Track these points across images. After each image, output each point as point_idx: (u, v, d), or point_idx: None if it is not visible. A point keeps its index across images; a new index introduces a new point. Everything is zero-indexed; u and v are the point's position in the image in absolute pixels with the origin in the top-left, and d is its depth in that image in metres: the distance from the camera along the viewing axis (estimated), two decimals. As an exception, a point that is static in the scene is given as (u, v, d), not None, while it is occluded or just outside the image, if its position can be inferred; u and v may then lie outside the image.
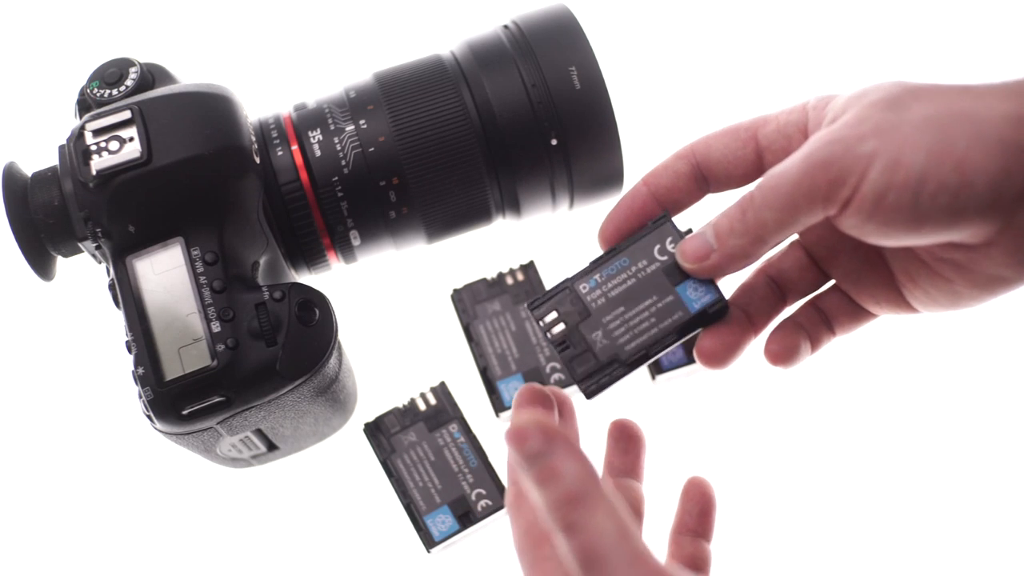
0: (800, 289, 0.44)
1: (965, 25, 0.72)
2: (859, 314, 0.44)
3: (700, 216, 0.45)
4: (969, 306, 0.40)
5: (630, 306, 0.42)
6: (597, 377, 0.41)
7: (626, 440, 0.45)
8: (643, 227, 0.43)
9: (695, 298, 0.41)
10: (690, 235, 0.41)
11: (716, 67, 0.72)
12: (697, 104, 0.71)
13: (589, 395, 0.42)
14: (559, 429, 0.33)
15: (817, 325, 0.44)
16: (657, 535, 0.44)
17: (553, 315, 0.42)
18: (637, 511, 0.44)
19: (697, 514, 0.44)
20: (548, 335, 0.42)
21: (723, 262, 0.40)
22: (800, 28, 0.73)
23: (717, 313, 0.42)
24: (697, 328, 0.42)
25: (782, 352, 0.43)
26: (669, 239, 0.42)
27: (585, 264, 0.43)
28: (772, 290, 0.44)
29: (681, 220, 0.45)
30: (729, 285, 0.44)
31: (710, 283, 0.42)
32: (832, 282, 0.44)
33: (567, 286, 0.43)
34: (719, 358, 0.42)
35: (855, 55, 0.72)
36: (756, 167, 0.43)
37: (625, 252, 0.43)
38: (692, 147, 0.44)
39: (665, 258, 0.42)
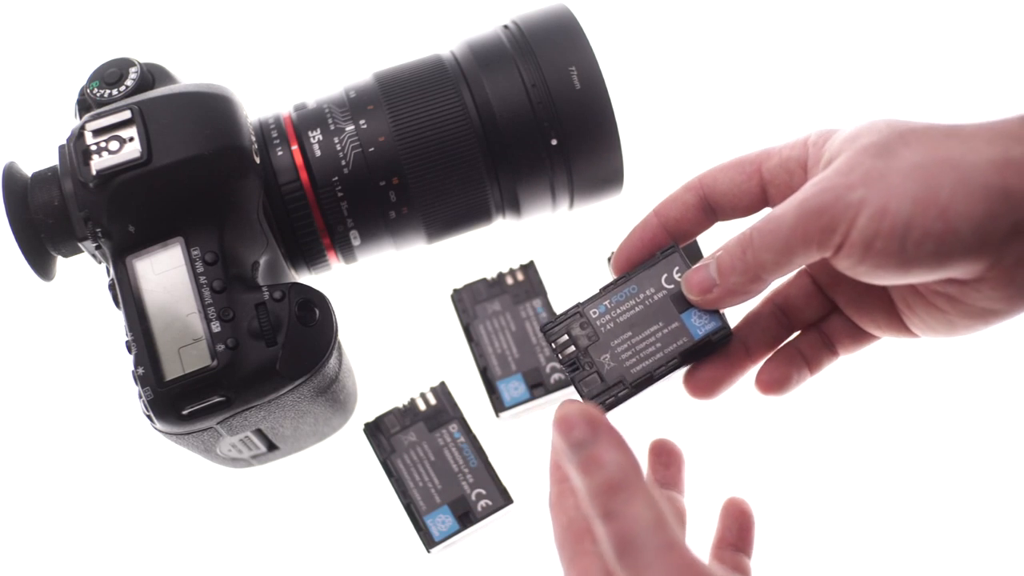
0: (805, 316, 0.46)
1: (965, 44, 0.72)
2: (862, 337, 0.45)
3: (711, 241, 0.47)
4: (965, 334, 0.41)
5: (637, 331, 0.44)
6: (603, 397, 0.43)
7: (666, 455, 0.47)
8: (652, 256, 0.45)
9: (699, 325, 0.43)
10: (695, 267, 0.43)
11: (716, 67, 0.72)
12: (697, 104, 0.71)
13: None
14: (605, 419, 0.34)
15: (818, 349, 0.45)
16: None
17: (565, 338, 0.44)
18: (679, 521, 0.44)
19: (737, 530, 0.45)
20: (559, 356, 0.44)
21: (724, 296, 0.42)
22: (799, 27, 0.73)
23: (720, 340, 0.43)
24: (701, 354, 0.44)
25: (771, 383, 0.45)
26: (676, 269, 0.44)
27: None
28: (777, 319, 0.46)
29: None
30: (736, 313, 0.45)
31: (715, 311, 0.43)
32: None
33: (578, 311, 0.45)
34: (706, 391, 0.44)
35: (852, 54, 0.72)
36: (760, 199, 0.45)
37: (634, 280, 0.45)
38: (700, 179, 0.46)
39: (672, 287, 0.44)
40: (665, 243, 0.45)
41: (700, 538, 0.45)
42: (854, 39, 0.72)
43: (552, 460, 0.41)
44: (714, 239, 0.46)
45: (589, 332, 0.44)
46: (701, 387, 0.44)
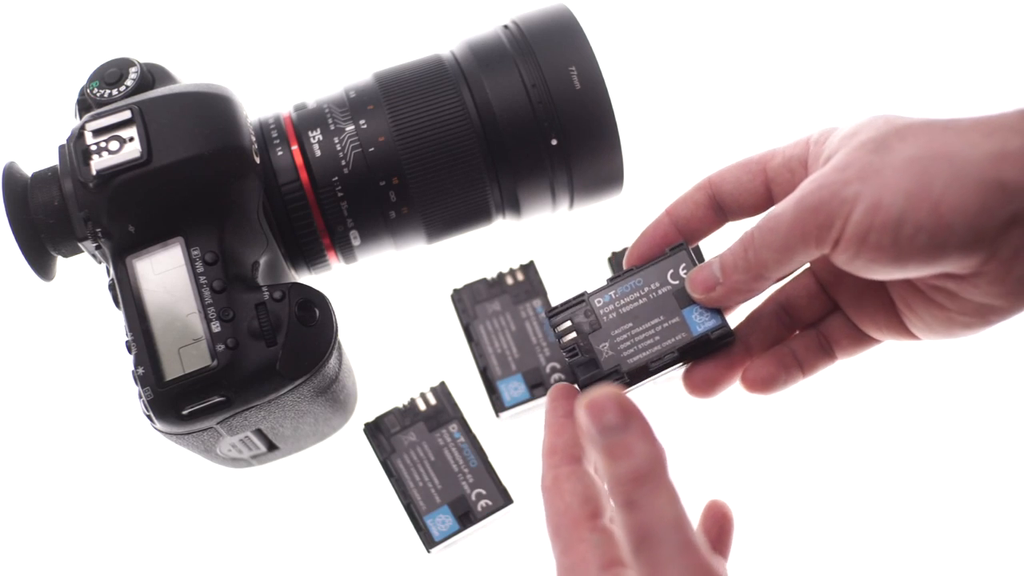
0: (808, 316, 0.46)
1: (963, 42, 0.72)
2: (861, 339, 0.45)
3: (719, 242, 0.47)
4: (965, 335, 0.41)
5: (638, 323, 0.44)
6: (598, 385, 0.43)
7: None
8: (662, 253, 0.45)
9: (699, 322, 0.44)
10: (699, 266, 0.43)
11: (716, 67, 0.72)
12: (697, 104, 0.71)
13: None
14: (637, 408, 0.34)
15: (814, 351, 0.45)
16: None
17: (567, 324, 0.45)
18: None
19: (716, 533, 0.45)
20: (560, 341, 0.45)
21: (727, 294, 0.42)
22: (799, 26, 0.73)
23: (720, 339, 0.44)
24: (700, 352, 0.44)
25: (756, 381, 0.45)
26: (683, 266, 0.45)
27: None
28: (779, 319, 0.46)
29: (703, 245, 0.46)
30: (739, 312, 0.45)
31: (716, 310, 0.44)
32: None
33: (583, 299, 0.45)
34: (704, 389, 0.44)
35: (851, 51, 0.72)
36: (766, 198, 0.45)
37: (641, 273, 0.45)
38: (709, 179, 0.46)
39: (677, 282, 0.44)
40: (676, 242, 0.46)
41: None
42: (853, 36, 0.72)
43: (547, 445, 0.41)
44: (725, 241, 0.47)
45: (592, 320, 0.45)
46: (699, 385, 0.45)
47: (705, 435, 0.60)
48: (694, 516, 0.46)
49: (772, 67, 0.72)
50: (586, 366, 0.44)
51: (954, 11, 0.72)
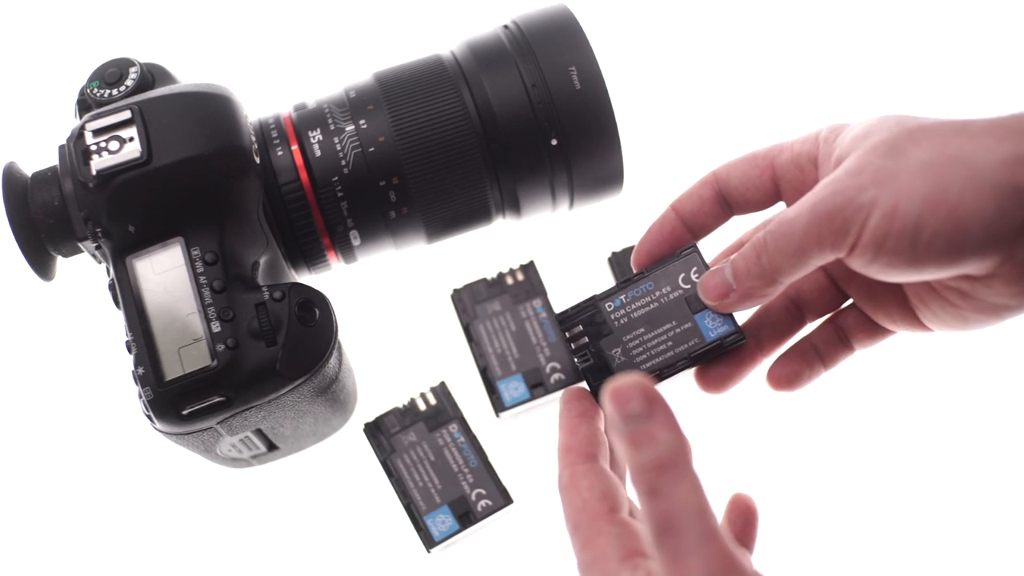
0: (818, 309, 0.46)
1: (970, 38, 0.72)
2: (876, 331, 0.45)
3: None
4: (978, 328, 0.42)
5: (650, 328, 0.44)
6: None
7: None
8: (672, 254, 0.45)
9: (712, 328, 0.44)
10: (710, 272, 0.43)
11: (716, 67, 0.72)
12: (697, 104, 0.71)
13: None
14: (661, 396, 0.34)
15: (833, 344, 0.46)
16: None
17: (579, 328, 0.45)
18: None
19: (742, 525, 0.45)
20: (572, 346, 0.45)
21: (741, 300, 0.42)
22: (799, 26, 0.73)
23: (732, 344, 0.44)
24: (710, 356, 0.44)
25: (781, 379, 0.45)
26: (694, 269, 0.45)
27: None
28: (789, 312, 0.46)
29: (709, 241, 0.47)
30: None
31: (728, 315, 0.44)
32: (850, 301, 0.46)
33: (594, 303, 0.45)
34: (717, 386, 0.45)
35: (854, 58, 0.72)
36: (773, 194, 0.45)
37: (651, 276, 0.45)
38: (715, 174, 0.46)
39: (688, 287, 0.44)
40: (684, 237, 0.46)
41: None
42: (856, 40, 0.72)
43: (562, 444, 0.41)
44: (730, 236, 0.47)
45: (603, 325, 0.44)
46: (712, 382, 0.45)
47: (725, 430, 0.60)
48: (719, 511, 0.46)
49: (773, 67, 0.72)
50: (598, 372, 0.44)
51: (956, 7, 0.72)
